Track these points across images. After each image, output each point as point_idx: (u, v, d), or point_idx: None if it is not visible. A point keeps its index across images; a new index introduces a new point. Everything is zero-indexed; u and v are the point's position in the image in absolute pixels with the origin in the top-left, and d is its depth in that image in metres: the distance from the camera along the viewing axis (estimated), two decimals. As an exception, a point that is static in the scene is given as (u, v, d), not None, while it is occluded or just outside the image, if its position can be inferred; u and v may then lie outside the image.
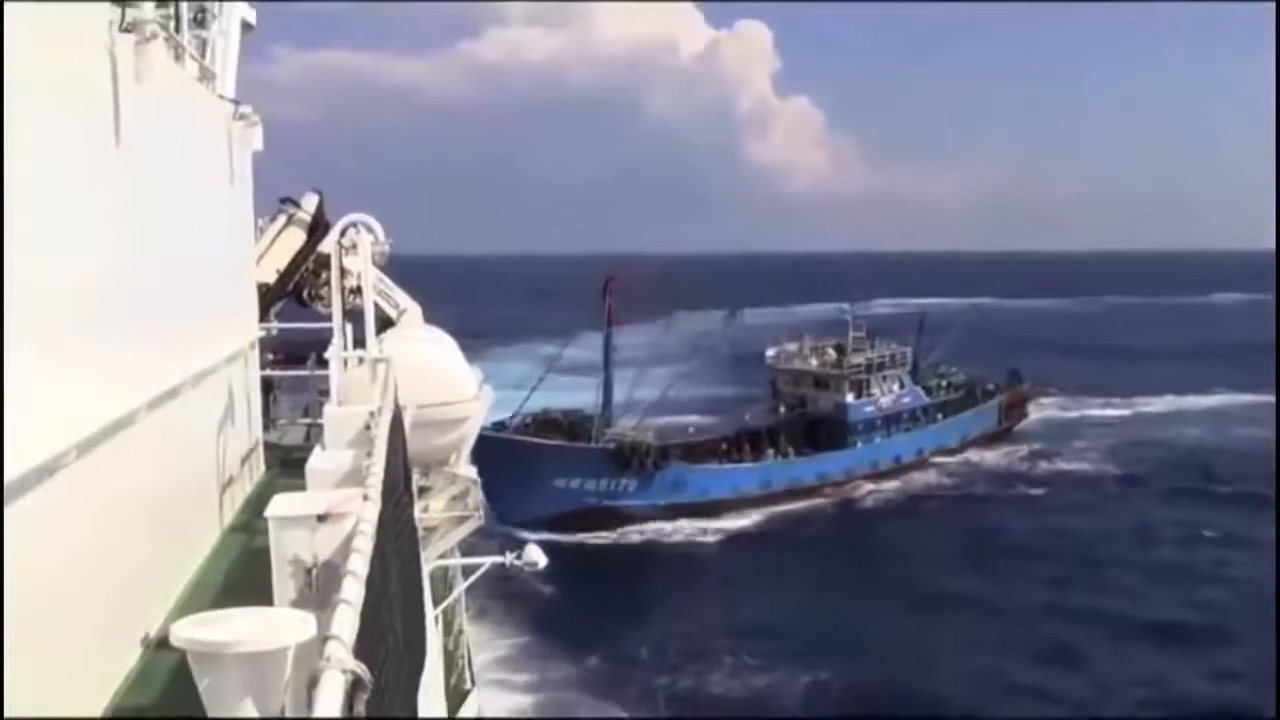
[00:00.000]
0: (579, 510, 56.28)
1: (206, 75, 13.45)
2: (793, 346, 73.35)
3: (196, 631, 3.75)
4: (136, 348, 9.04)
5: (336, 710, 3.15)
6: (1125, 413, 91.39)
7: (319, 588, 5.00)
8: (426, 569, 13.78)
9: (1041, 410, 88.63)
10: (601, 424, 60.91)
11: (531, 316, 69.63)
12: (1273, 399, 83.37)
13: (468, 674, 17.79)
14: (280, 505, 5.36)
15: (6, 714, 6.07)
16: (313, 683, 3.35)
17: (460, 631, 18.65)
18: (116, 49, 8.39)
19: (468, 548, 16.11)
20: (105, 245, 8.23)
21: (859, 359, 70.22)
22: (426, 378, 12.50)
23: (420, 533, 13.10)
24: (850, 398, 68.99)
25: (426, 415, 12.31)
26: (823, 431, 67.79)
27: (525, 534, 42.27)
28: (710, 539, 59.28)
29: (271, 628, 3.85)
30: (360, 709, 3.49)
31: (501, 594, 40.68)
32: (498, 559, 15.84)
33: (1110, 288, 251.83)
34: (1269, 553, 49.11)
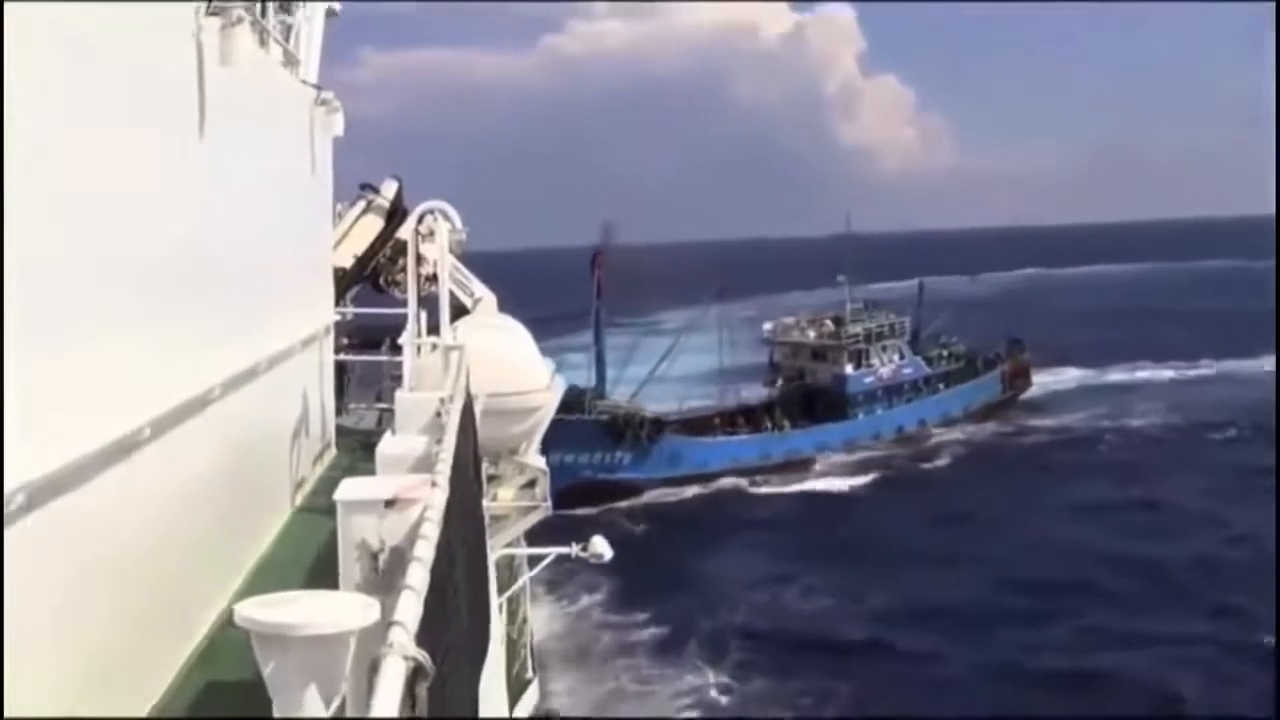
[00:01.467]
0: (575, 485, 53.44)
1: (290, 60, 13.56)
2: (790, 320, 73.47)
3: (261, 613, 3.76)
4: (213, 328, 9.14)
5: (397, 697, 3.14)
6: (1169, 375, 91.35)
7: (385, 573, 5.00)
8: (492, 557, 13.84)
9: (1082, 377, 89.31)
10: (594, 397, 60.33)
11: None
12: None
13: (530, 663, 17.84)
14: (349, 489, 5.37)
15: (74, 687, 6.15)
16: (374, 668, 3.33)
17: (524, 620, 18.71)
18: (203, 33, 8.47)
19: (530, 537, 16.14)
20: (185, 226, 8.32)
21: (857, 329, 69.81)
22: (499, 366, 12.52)
23: (487, 521, 13.15)
24: (849, 369, 68.81)
25: (498, 404, 12.34)
26: (821, 404, 67.54)
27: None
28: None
29: (336, 611, 3.84)
30: (422, 696, 3.47)
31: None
32: (563, 549, 15.90)
33: (1201, 252, 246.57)
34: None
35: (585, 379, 61.84)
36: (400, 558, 4.91)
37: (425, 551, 4.36)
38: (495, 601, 13.68)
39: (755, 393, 70.39)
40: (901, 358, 72.03)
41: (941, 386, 73.71)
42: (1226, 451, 65.53)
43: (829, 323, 71.61)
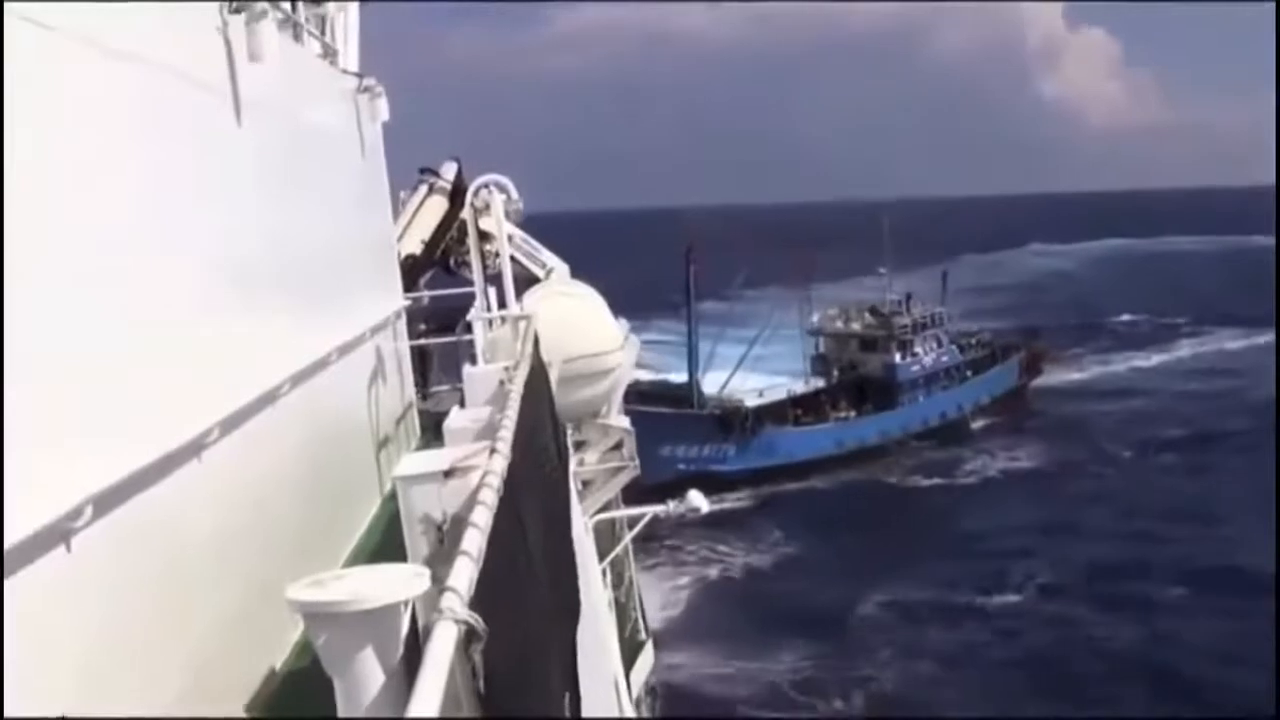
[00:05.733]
0: (680, 477, 55.38)
1: (328, 51, 13.57)
2: (834, 311, 76.37)
3: (309, 592, 3.74)
4: (277, 324, 9.17)
5: (445, 660, 3.08)
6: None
7: (449, 544, 4.96)
8: (589, 522, 13.82)
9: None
10: (698, 391, 63.00)
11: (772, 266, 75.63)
12: None
13: (642, 625, 17.87)
14: (408, 464, 5.35)
15: (174, 688, 6.22)
16: (426, 634, 3.30)
17: (630, 583, 18.73)
18: (229, 30, 8.46)
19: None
20: (235, 226, 8.33)
21: (905, 320, 72.74)
22: (570, 331, 12.46)
23: (578, 486, 13.12)
24: (898, 358, 71.23)
25: (573, 369, 12.30)
26: (871, 392, 70.10)
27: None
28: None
29: (383, 584, 3.81)
30: (476, 659, 3.42)
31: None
32: (660, 508, 15.87)
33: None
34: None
35: (663, 365, 64.00)
36: (463, 527, 4.87)
37: (482, 517, 4.30)
38: (596, 566, 13.68)
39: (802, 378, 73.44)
40: (939, 346, 74.81)
41: (969, 374, 76.61)
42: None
43: (867, 314, 74.77)
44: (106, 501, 5.39)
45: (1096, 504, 55.17)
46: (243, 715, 7.21)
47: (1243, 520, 49.59)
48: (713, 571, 48.48)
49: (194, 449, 6.73)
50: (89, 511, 5.18)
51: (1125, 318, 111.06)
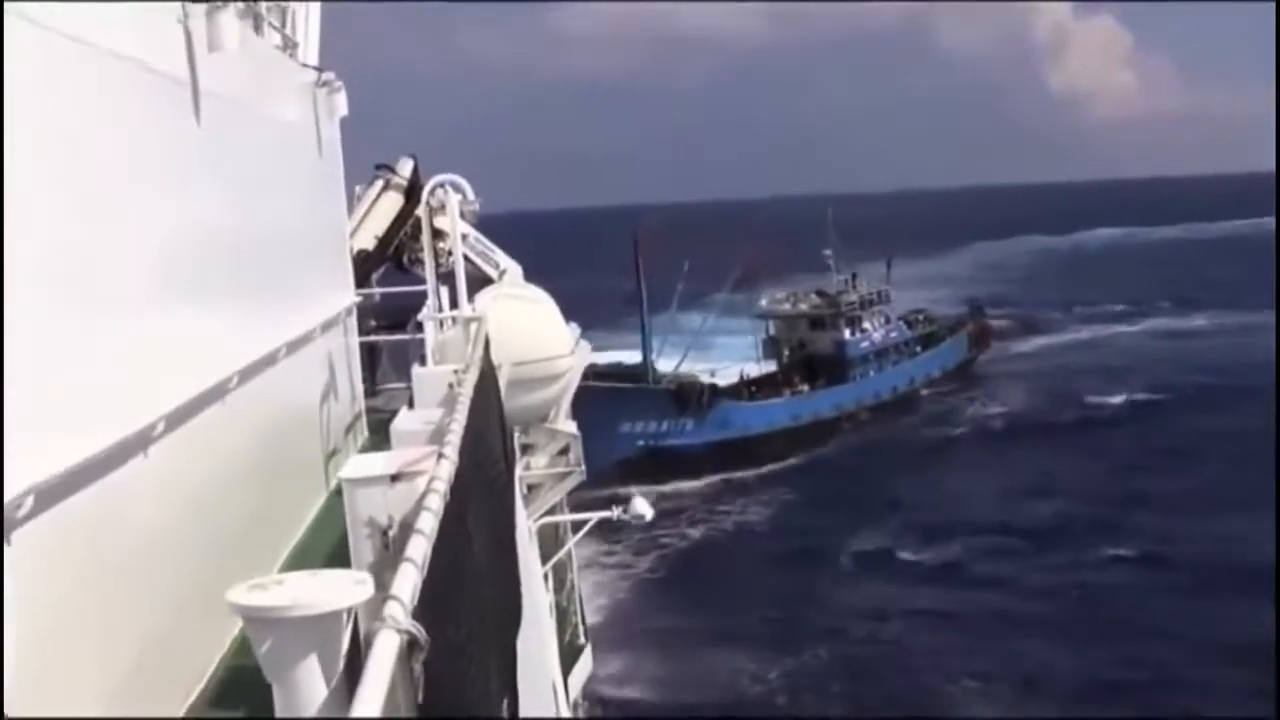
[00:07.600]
0: (641, 453, 57.55)
1: (288, 44, 13.49)
2: (781, 294, 77.85)
3: (250, 596, 3.71)
4: (226, 318, 9.10)
5: (386, 671, 3.08)
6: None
7: (395, 549, 4.94)
8: (533, 526, 13.81)
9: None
10: (653, 369, 64.33)
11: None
12: None
13: (582, 630, 17.85)
14: (355, 467, 5.33)
15: (114, 683, 6.16)
16: (367, 643, 3.30)
17: (572, 588, 18.71)
18: (190, 21, 8.39)
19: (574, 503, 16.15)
20: (188, 217, 8.27)
21: (853, 297, 74.83)
22: (521, 335, 12.47)
23: (524, 491, 13.11)
24: (847, 334, 73.24)
25: (523, 372, 12.30)
26: (822, 369, 71.85)
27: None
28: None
29: (325, 590, 3.79)
30: (417, 669, 3.42)
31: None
32: (605, 514, 15.87)
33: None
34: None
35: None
36: (410, 533, 4.86)
37: (427, 524, 4.30)
38: (539, 570, 13.68)
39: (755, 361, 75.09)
40: (888, 322, 76.96)
41: (919, 349, 79.01)
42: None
43: (814, 295, 76.37)
44: (49, 494, 5.34)
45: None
46: (181, 712, 7.16)
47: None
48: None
49: (140, 442, 6.67)
50: (30, 503, 5.12)
51: (1079, 307, 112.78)
